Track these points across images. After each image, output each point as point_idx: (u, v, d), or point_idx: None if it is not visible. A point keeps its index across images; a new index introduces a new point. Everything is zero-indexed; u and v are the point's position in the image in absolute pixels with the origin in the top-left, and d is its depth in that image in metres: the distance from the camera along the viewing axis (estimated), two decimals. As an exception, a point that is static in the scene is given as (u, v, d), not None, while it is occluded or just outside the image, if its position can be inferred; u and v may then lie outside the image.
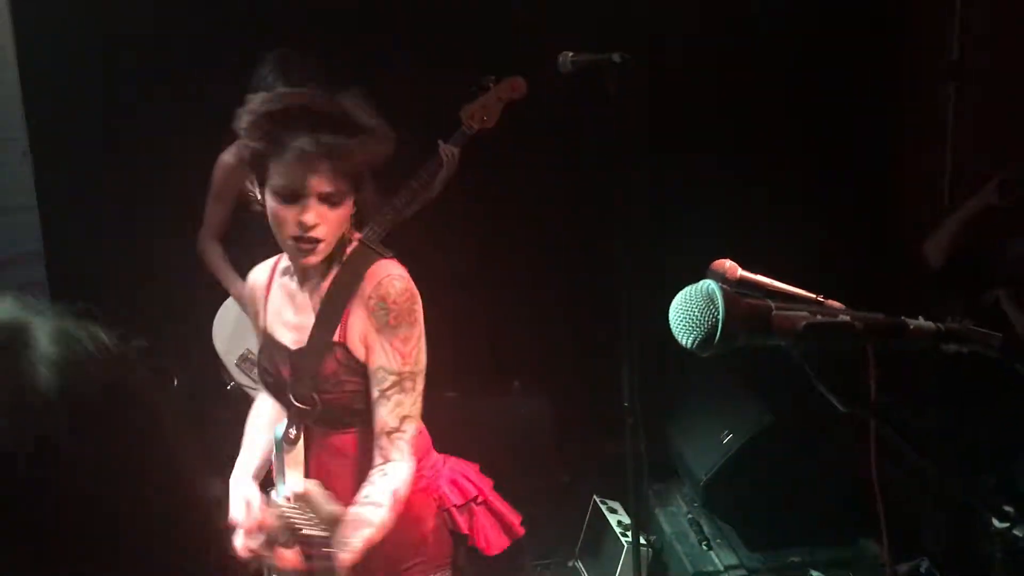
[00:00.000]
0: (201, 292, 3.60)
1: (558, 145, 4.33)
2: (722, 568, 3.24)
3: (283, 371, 2.27)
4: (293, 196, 2.07)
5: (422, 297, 4.25)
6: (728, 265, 2.07)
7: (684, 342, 1.30)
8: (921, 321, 1.34)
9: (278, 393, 2.31)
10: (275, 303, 2.32)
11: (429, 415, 4.28)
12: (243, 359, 3.51)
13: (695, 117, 4.33)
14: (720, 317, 1.25)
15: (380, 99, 3.99)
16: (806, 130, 4.42)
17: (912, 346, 1.39)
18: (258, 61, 3.46)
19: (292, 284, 2.30)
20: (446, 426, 4.19)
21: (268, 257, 3.55)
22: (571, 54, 3.21)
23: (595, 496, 3.82)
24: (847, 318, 1.29)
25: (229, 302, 3.56)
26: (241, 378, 3.50)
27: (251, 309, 2.41)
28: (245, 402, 3.49)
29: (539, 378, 4.37)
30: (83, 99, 3.94)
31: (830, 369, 1.38)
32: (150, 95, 3.98)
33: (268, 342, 2.32)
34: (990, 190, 3.33)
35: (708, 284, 1.29)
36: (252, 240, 3.62)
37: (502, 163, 4.21)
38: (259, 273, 2.40)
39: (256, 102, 2.12)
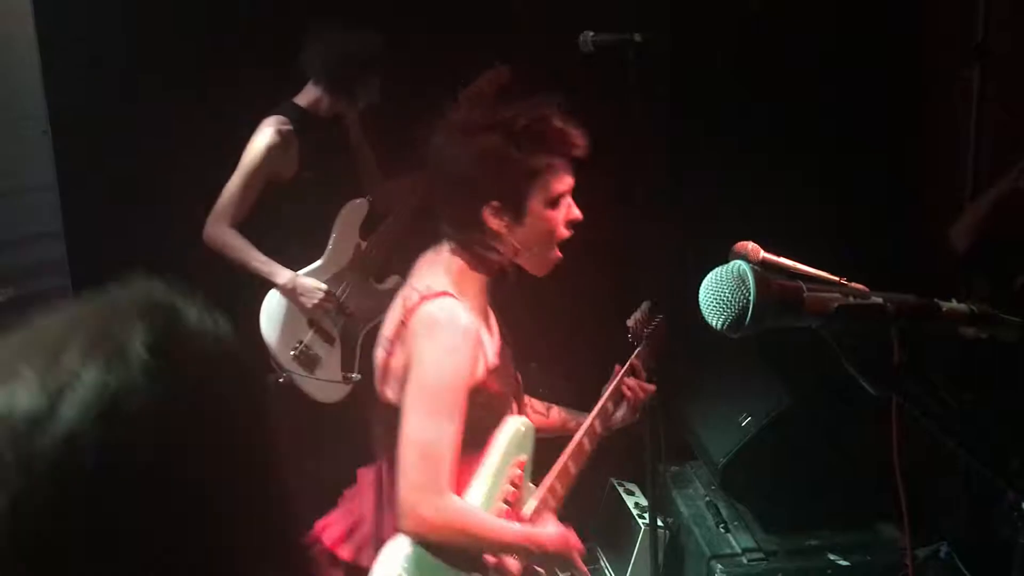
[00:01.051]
0: (222, 277, 3.59)
1: (577, 126, 4.30)
2: (739, 551, 3.23)
3: (513, 387, 2.32)
4: (561, 198, 2.10)
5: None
6: (751, 247, 2.05)
7: (714, 323, 1.29)
8: (954, 303, 1.33)
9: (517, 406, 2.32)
10: (484, 337, 2.18)
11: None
12: (298, 351, 3.42)
13: (714, 103, 4.29)
14: (751, 298, 1.24)
15: (389, 84, 4.01)
16: (825, 115, 4.38)
17: (934, 330, 1.38)
18: (325, 41, 3.41)
19: (475, 306, 2.19)
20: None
21: (301, 246, 3.53)
22: (591, 34, 3.19)
23: (612, 478, 3.82)
24: (879, 299, 1.28)
25: (274, 293, 3.44)
26: (296, 368, 3.39)
27: (470, 356, 2.06)
28: (294, 395, 3.42)
29: (556, 359, 4.37)
30: (103, 78, 3.94)
31: (867, 345, 1.37)
32: (172, 74, 3.98)
33: (501, 368, 2.20)
34: (1017, 173, 3.30)
35: (739, 265, 1.28)
36: (281, 229, 3.60)
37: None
38: (465, 315, 2.08)
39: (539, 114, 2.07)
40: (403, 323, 2.07)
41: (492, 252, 2.12)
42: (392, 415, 2.06)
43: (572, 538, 2.19)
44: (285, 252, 3.50)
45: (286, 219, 3.52)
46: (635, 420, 2.51)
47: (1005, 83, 4.14)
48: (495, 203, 2.04)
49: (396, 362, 2.08)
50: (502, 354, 2.22)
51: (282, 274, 3.38)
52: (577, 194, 2.20)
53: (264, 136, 3.40)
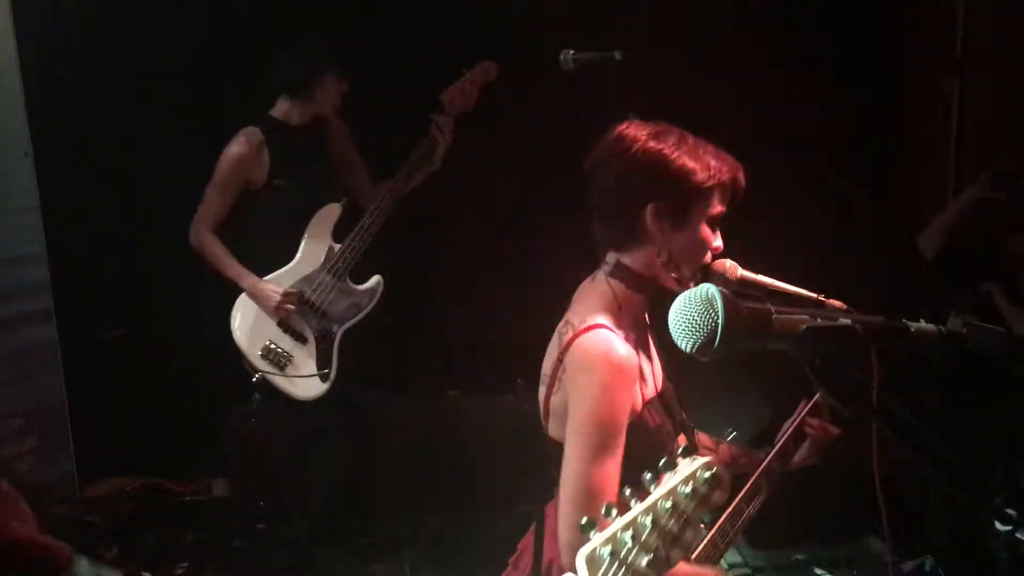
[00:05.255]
0: (203, 288, 3.61)
1: (560, 143, 4.30)
2: (726, 566, 3.23)
3: (678, 419, 2.19)
4: (716, 220, 2.02)
5: (425, 296, 4.22)
6: (728, 265, 2.06)
7: (684, 347, 1.29)
8: (922, 324, 1.33)
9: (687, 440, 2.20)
10: (644, 366, 2.08)
11: (433, 414, 4.29)
12: (267, 350, 3.54)
13: (696, 114, 4.29)
14: (720, 322, 1.23)
15: (377, 92, 4.02)
16: (810, 126, 4.40)
17: (916, 347, 1.38)
18: (282, 50, 3.49)
19: (635, 335, 2.08)
20: (450, 425, 4.22)
21: (276, 250, 3.57)
22: (572, 52, 3.21)
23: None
24: (848, 321, 1.28)
25: (245, 296, 3.57)
26: (266, 368, 3.53)
27: (627, 390, 1.98)
28: (269, 392, 3.54)
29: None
30: (83, 100, 3.95)
31: (835, 367, 1.36)
32: (149, 96, 3.99)
33: (662, 400, 2.12)
34: (982, 183, 3.33)
35: (708, 288, 1.27)
36: (257, 233, 3.67)
37: (503, 161, 4.21)
38: (622, 346, 1.98)
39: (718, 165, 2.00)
40: (560, 360, 2.03)
41: (645, 260, 2.04)
42: (557, 452, 2.02)
43: None
44: (265, 255, 3.62)
45: (265, 223, 3.64)
46: (816, 462, 2.41)
47: (983, 96, 4.17)
48: (660, 204, 1.98)
49: (557, 400, 2.04)
50: (664, 385, 2.16)
51: (246, 278, 3.56)
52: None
53: (234, 145, 3.55)
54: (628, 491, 1.18)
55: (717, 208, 2.00)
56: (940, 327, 1.33)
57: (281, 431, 3.76)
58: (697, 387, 3.72)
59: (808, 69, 4.39)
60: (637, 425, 2.00)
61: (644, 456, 2.00)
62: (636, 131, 2.02)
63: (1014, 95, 3.97)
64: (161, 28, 3.95)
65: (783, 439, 2.32)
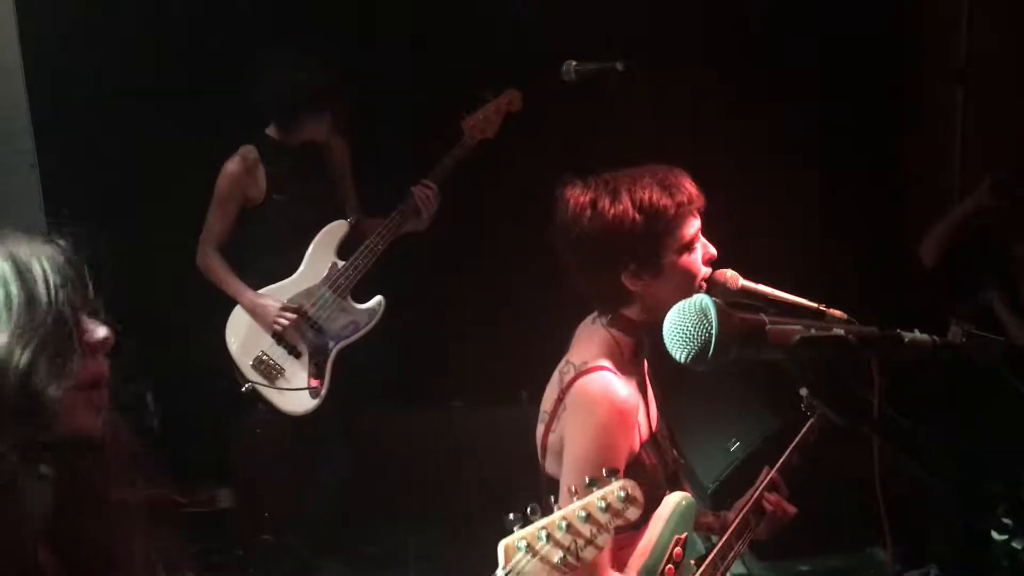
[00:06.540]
0: (209, 298, 3.63)
1: (563, 152, 4.30)
2: (730, 577, 3.21)
3: (669, 459, 2.19)
4: (693, 242, 2.03)
5: (428, 309, 4.22)
6: (729, 275, 2.07)
7: (678, 357, 1.30)
8: (916, 334, 1.33)
9: (673, 482, 2.20)
10: (640, 408, 2.10)
11: (437, 426, 4.29)
12: (259, 361, 3.55)
13: (700, 124, 4.30)
14: (713, 332, 1.24)
15: (382, 106, 4.03)
16: (814, 135, 4.40)
17: (911, 357, 1.38)
18: (271, 79, 3.49)
19: (634, 377, 2.11)
20: (453, 437, 4.22)
21: (274, 266, 3.59)
22: (574, 63, 3.23)
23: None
24: (841, 331, 1.28)
25: (240, 308, 3.60)
26: (256, 378, 3.55)
27: (626, 431, 2.01)
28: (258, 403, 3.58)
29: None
30: (89, 112, 3.96)
31: (834, 376, 1.36)
32: (156, 107, 4.01)
33: (656, 441, 2.14)
34: (982, 191, 3.33)
35: (702, 299, 1.28)
36: (256, 249, 3.69)
37: (507, 171, 4.21)
38: (622, 388, 2.02)
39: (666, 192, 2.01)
40: (560, 399, 2.05)
41: (637, 313, 2.07)
42: (554, 488, 2.04)
43: None
44: (262, 270, 3.66)
45: (262, 239, 3.67)
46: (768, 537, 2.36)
47: (985, 105, 4.17)
48: (632, 267, 2.01)
49: (554, 437, 2.07)
50: (658, 425, 2.19)
51: (244, 293, 3.59)
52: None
53: (230, 163, 3.59)
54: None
55: (687, 234, 2.02)
56: (935, 337, 1.33)
57: (286, 442, 3.77)
58: (701, 397, 3.73)
59: (811, 78, 4.40)
60: (634, 465, 2.02)
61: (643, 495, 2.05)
62: (577, 200, 2.04)
63: (1018, 103, 3.97)
64: (170, 40, 3.96)
65: (743, 511, 2.28)
